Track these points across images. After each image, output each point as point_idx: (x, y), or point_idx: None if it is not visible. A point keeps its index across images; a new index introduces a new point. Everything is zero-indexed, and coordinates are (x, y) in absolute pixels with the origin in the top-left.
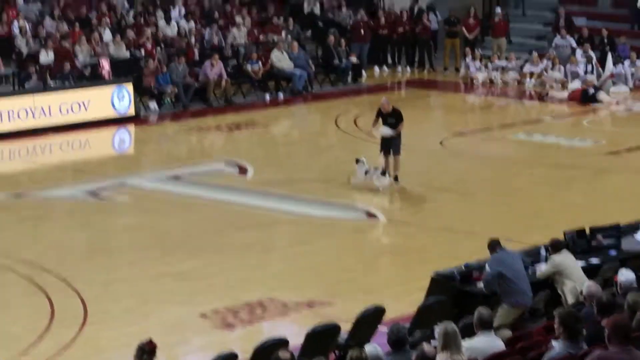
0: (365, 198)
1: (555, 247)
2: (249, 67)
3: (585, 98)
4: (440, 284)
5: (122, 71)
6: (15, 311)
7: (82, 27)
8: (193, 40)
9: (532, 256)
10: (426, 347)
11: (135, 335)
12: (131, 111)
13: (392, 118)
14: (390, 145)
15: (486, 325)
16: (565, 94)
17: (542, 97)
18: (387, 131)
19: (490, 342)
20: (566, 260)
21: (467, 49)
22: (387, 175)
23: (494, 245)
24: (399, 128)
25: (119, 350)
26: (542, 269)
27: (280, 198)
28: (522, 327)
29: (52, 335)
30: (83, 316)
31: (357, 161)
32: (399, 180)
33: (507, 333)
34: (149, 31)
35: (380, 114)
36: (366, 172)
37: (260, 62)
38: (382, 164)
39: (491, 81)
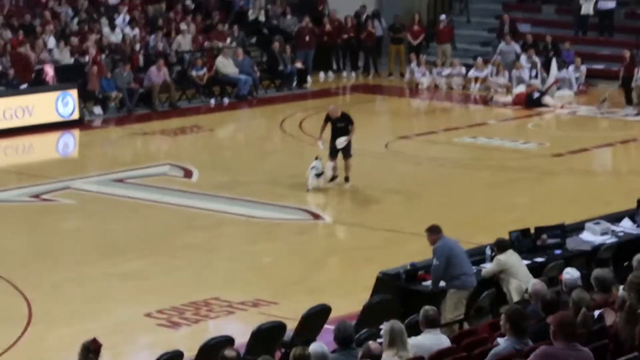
0: (310, 199)
1: (500, 246)
2: (194, 73)
3: (530, 102)
4: (386, 282)
5: (67, 77)
6: None
7: (25, 35)
8: (138, 46)
9: (478, 256)
10: (372, 344)
11: (81, 335)
12: (75, 116)
13: (342, 122)
14: (339, 149)
15: (432, 323)
16: (509, 99)
17: (486, 102)
18: (342, 140)
19: (436, 339)
20: (511, 259)
21: (412, 55)
22: (324, 176)
23: (436, 231)
24: (351, 132)
25: (65, 350)
26: (487, 268)
27: (226, 200)
28: (468, 324)
29: None
30: (28, 316)
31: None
32: (350, 181)
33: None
34: (93, 37)
35: (328, 119)
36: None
37: (205, 68)
38: (330, 167)
39: (436, 86)
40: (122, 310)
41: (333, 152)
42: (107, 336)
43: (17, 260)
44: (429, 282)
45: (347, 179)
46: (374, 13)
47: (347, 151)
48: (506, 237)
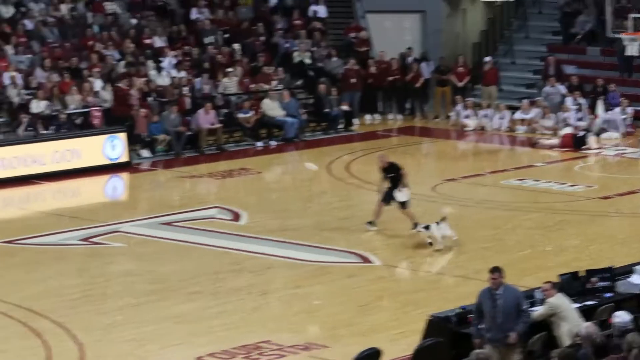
0: (359, 243)
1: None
2: (240, 116)
3: (577, 143)
4: (436, 326)
5: (114, 120)
6: (11, 354)
7: (73, 77)
8: (185, 89)
9: (527, 299)
10: None
11: None
12: (124, 159)
13: (391, 172)
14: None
15: None
16: (556, 141)
17: (533, 144)
18: (402, 195)
19: None
20: (562, 302)
21: (458, 97)
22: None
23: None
24: (405, 179)
25: None
26: (538, 311)
27: (275, 243)
28: None
29: None
30: None
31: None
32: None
33: None
34: (139, 81)
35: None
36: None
37: (252, 111)
38: (377, 212)
39: (482, 128)
40: (173, 354)
41: (387, 199)
42: None
43: (67, 304)
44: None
45: (415, 225)
46: (421, 56)
47: (403, 203)
48: (555, 280)
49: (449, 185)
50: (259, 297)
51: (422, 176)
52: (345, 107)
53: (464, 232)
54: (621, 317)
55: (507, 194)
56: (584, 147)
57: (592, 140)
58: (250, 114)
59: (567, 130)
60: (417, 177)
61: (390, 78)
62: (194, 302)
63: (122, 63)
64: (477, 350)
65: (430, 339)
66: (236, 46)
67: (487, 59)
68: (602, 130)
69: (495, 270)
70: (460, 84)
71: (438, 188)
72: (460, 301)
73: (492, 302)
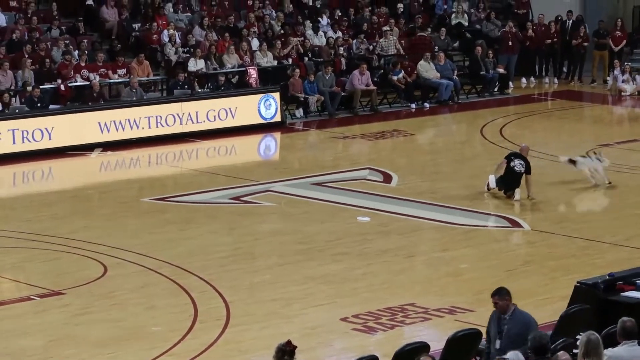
0: (510, 207)
1: None
2: (394, 77)
3: None
4: (583, 292)
5: (270, 79)
6: (160, 312)
7: (230, 37)
8: (341, 50)
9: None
10: (562, 355)
11: (277, 338)
12: (277, 118)
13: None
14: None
15: (630, 335)
16: None
17: None
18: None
19: (633, 351)
20: None
21: (615, 62)
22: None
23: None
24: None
25: (261, 351)
26: None
27: (425, 206)
28: None
29: (194, 337)
30: (226, 318)
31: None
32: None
33: None
34: (295, 41)
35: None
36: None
37: (402, 71)
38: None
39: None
40: (318, 314)
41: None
42: (303, 339)
43: (216, 262)
44: (628, 293)
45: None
46: (578, 18)
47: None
48: None
49: (604, 151)
50: (405, 259)
51: (577, 141)
52: (501, 70)
53: (616, 198)
54: None
55: None
56: None
57: None
58: (402, 74)
59: None
60: (572, 141)
61: (549, 41)
62: (340, 263)
63: (279, 23)
64: (625, 318)
65: (576, 306)
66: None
67: None
68: None
69: (496, 292)
70: (617, 49)
71: (592, 153)
72: (610, 268)
73: (498, 327)
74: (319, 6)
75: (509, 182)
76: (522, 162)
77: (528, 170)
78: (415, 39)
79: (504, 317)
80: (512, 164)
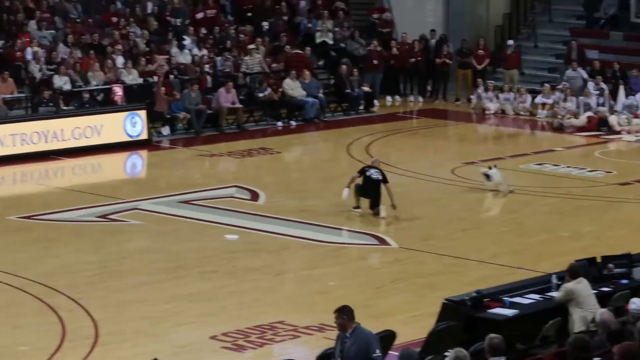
0: (376, 225)
1: (572, 273)
2: (260, 95)
3: (600, 123)
4: (451, 309)
5: (135, 97)
6: (27, 331)
7: (95, 54)
8: (206, 67)
9: (543, 284)
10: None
11: (147, 357)
12: (144, 136)
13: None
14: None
15: (497, 351)
16: (583, 121)
17: (556, 128)
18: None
19: None
20: (578, 287)
21: (479, 80)
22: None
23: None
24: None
25: None
26: (555, 296)
27: (292, 223)
28: (533, 354)
29: (63, 356)
30: (94, 337)
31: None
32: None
33: None
34: (161, 58)
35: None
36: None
37: (269, 89)
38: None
39: (503, 112)
40: (187, 332)
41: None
42: (172, 357)
43: (84, 280)
44: (494, 310)
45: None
46: (441, 37)
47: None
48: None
49: (468, 169)
50: (274, 277)
51: (442, 159)
52: (366, 88)
53: (481, 216)
54: (637, 303)
55: (525, 178)
56: (605, 127)
57: (614, 120)
58: (268, 91)
59: (590, 114)
60: (437, 159)
61: (413, 60)
62: (209, 281)
63: (144, 41)
64: (492, 335)
65: (444, 322)
66: (263, 24)
67: (510, 42)
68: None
69: (336, 310)
70: (480, 67)
71: (457, 171)
72: (476, 285)
73: (341, 346)
74: (179, 24)
75: (369, 191)
76: (377, 170)
77: (385, 179)
78: (292, 56)
79: (345, 335)
80: (367, 173)
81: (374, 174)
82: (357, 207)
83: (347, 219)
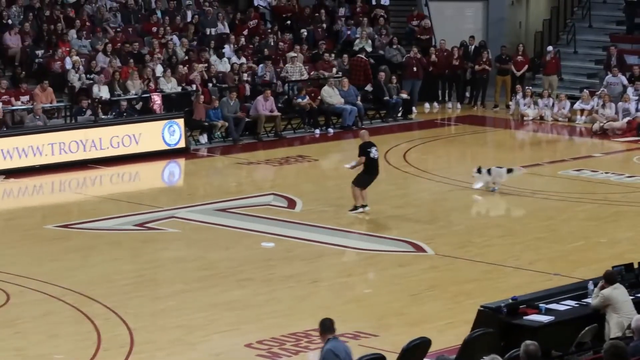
0: (413, 232)
1: (608, 279)
2: (299, 102)
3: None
4: (487, 316)
5: (173, 106)
6: (63, 340)
7: (134, 63)
8: (245, 76)
9: (580, 290)
10: None
11: None
12: (181, 144)
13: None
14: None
15: (532, 358)
16: (624, 123)
17: (597, 133)
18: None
19: None
20: (614, 293)
21: (518, 86)
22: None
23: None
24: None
25: None
26: (592, 302)
27: (329, 231)
28: None
29: None
30: (129, 346)
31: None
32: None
33: None
34: (200, 67)
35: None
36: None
37: (307, 97)
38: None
39: (541, 118)
40: (222, 340)
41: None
42: None
43: (120, 289)
44: (530, 317)
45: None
46: (480, 44)
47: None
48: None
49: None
50: (309, 285)
51: (480, 165)
52: (404, 95)
53: (518, 222)
54: None
55: (563, 184)
56: None
57: None
58: (306, 99)
59: (629, 119)
60: (475, 165)
61: (451, 66)
62: (244, 288)
63: (183, 49)
64: (528, 341)
65: (479, 330)
66: (302, 32)
67: (549, 48)
68: None
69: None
70: (519, 74)
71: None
72: (512, 292)
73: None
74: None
75: (373, 171)
76: (375, 147)
77: None
78: (354, 60)
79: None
80: (371, 154)
81: (373, 152)
82: (356, 207)
83: (384, 226)
